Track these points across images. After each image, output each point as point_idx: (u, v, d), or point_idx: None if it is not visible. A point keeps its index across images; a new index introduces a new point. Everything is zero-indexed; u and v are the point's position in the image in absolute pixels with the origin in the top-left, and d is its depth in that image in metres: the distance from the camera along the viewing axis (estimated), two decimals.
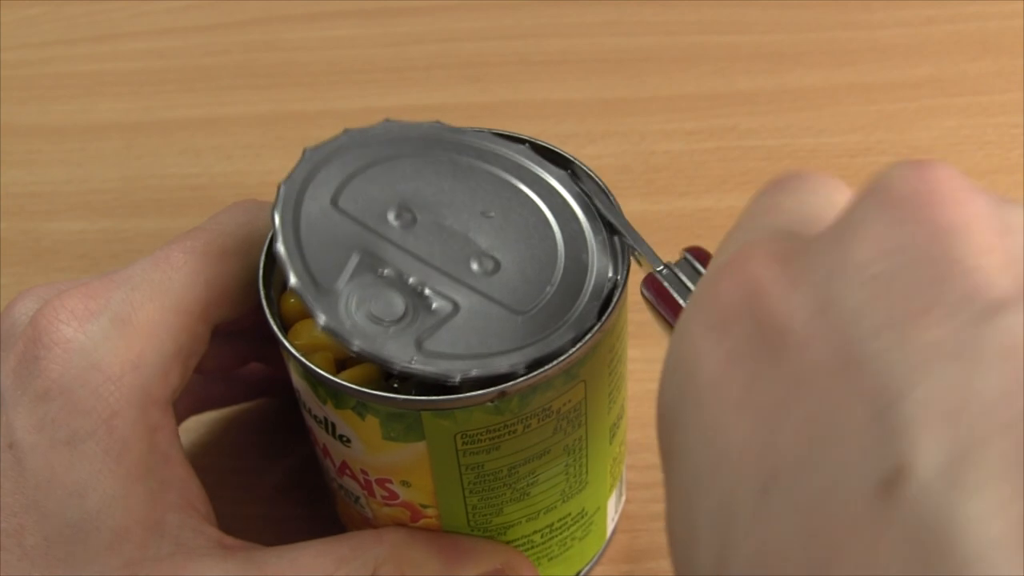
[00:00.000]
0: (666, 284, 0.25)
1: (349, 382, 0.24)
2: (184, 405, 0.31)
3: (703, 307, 0.18)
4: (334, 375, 0.24)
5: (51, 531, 0.24)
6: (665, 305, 0.25)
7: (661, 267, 0.26)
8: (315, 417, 0.26)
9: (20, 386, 0.25)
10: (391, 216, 0.26)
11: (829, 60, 0.48)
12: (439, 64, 0.50)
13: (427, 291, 0.25)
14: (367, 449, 0.25)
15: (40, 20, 0.54)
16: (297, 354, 0.24)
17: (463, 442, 0.25)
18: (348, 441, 0.26)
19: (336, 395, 0.24)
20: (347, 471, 0.27)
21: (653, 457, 0.36)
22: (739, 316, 0.17)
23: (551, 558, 0.30)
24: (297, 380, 0.26)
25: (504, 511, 0.27)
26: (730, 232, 0.21)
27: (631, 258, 0.26)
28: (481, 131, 0.28)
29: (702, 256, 0.26)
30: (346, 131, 0.27)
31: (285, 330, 0.26)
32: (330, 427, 0.26)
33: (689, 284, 0.25)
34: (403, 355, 0.24)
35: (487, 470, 0.26)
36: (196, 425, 0.36)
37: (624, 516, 0.33)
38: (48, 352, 0.25)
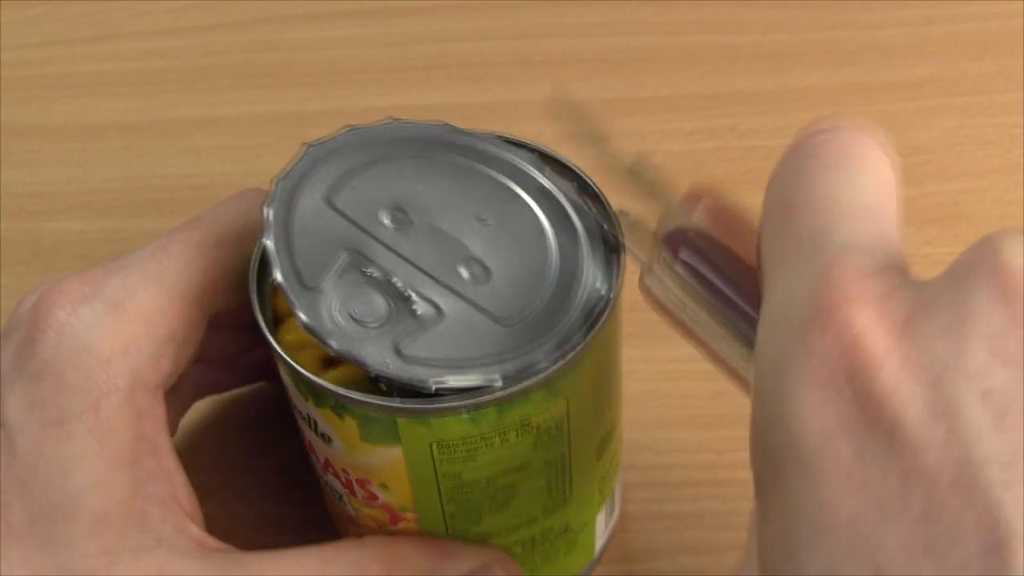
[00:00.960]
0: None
1: (332, 382, 0.24)
2: (188, 391, 0.32)
3: (803, 360, 0.17)
4: (318, 373, 0.24)
5: (35, 510, 0.25)
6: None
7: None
8: (300, 413, 0.26)
9: (16, 368, 0.26)
10: (385, 216, 0.26)
11: (829, 60, 0.48)
12: (439, 64, 0.50)
13: (412, 295, 0.24)
14: (347, 449, 0.25)
15: (40, 20, 0.54)
16: (280, 350, 0.24)
17: (439, 450, 0.24)
18: (329, 440, 0.26)
19: (316, 393, 0.24)
20: (330, 469, 0.27)
21: (653, 457, 0.36)
22: (842, 376, 0.17)
23: (532, 571, 0.29)
24: (283, 376, 0.26)
25: (483, 521, 0.27)
26: (776, 220, 0.20)
27: (623, 261, 0.25)
28: (489, 135, 0.27)
29: (678, 245, 0.24)
30: (351, 128, 0.27)
31: (278, 324, 0.26)
32: (313, 424, 0.26)
33: (686, 276, 0.23)
34: (379, 358, 0.23)
35: (464, 480, 0.25)
36: (188, 423, 0.36)
37: (624, 516, 0.33)
38: (43, 335, 0.25)
